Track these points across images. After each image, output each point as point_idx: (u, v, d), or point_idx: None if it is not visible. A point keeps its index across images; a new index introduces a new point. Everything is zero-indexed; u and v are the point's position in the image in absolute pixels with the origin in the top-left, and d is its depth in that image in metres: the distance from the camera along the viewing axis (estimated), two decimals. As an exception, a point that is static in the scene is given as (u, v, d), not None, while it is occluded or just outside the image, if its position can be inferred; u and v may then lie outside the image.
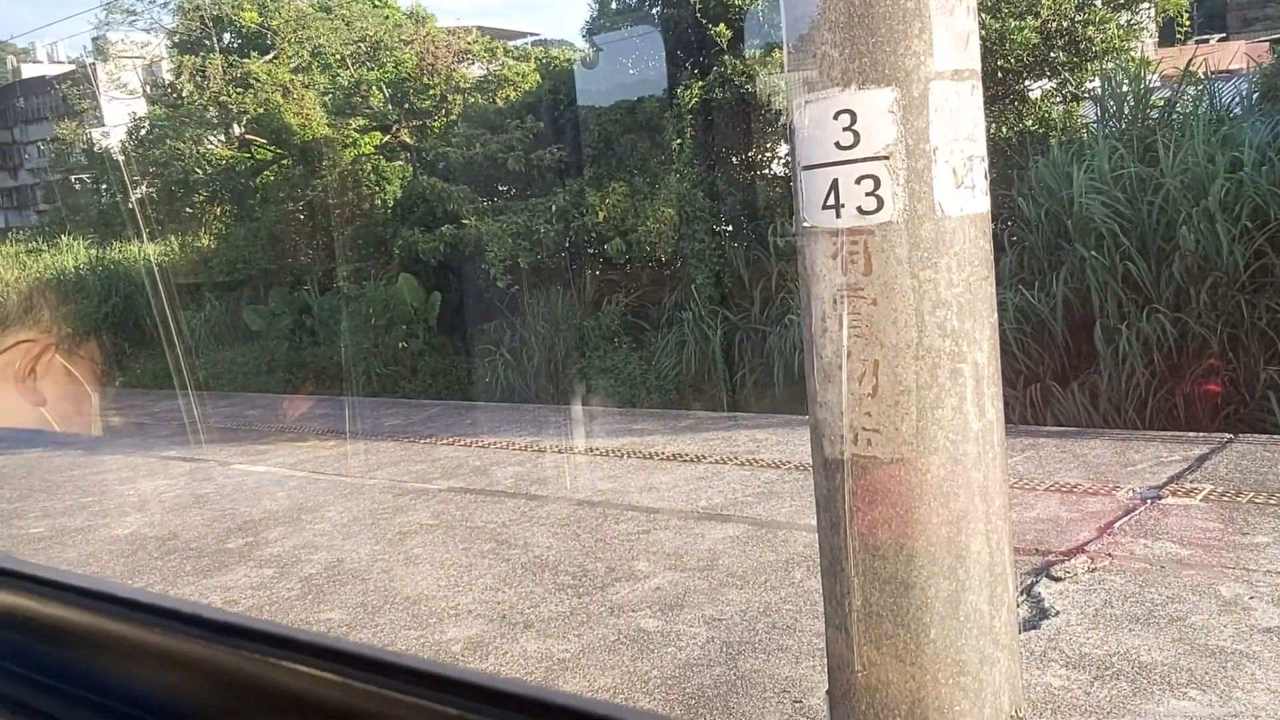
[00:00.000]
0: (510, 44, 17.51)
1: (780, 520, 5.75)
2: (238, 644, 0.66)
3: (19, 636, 0.80)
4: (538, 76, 13.63)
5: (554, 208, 11.04)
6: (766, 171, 10.88)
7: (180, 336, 14.98)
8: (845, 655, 2.73)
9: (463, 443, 8.67)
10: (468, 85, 14.35)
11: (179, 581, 5.72)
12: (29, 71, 65.73)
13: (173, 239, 17.68)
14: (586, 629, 4.51)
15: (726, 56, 9.98)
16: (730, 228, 10.54)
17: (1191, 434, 6.62)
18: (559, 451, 7.99)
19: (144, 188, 17.24)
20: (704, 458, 7.29)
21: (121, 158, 18.02)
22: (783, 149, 10.54)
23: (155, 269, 16.85)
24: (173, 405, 12.75)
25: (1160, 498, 5.39)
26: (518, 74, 13.86)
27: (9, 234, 27.36)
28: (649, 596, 4.81)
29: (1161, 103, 8.74)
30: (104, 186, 19.35)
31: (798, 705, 3.66)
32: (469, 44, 14.90)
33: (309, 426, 10.40)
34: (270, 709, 0.65)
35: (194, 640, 0.67)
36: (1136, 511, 5.22)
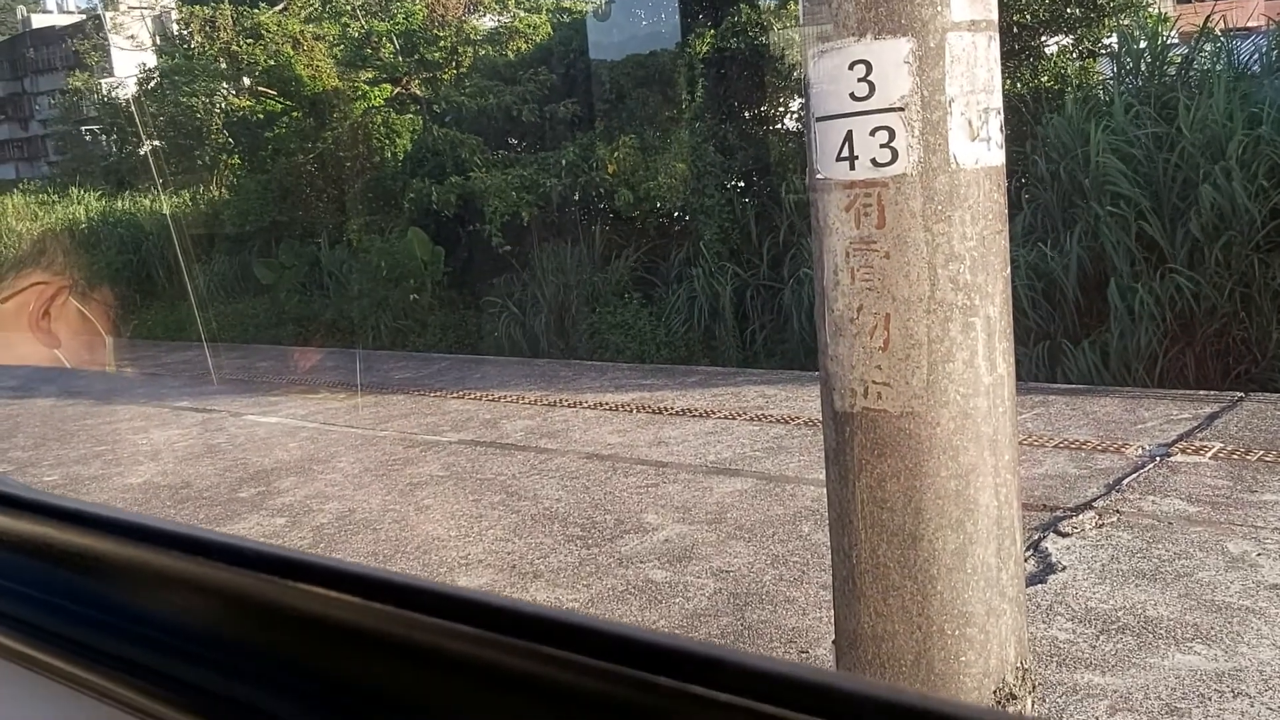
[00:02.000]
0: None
1: (789, 475, 5.77)
2: (257, 570, 0.67)
3: (46, 565, 0.81)
4: (549, 28, 13.52)
5: (563, 161, 10.99)
6: (778, 126, 10.80)
7: (192, 288, 15.01)
8: (852, 606, 2.75)
9: (473, 396, 8.70)
10: (479, 37, 14.24)
11: (192, 530, 5.77)
12: (39, 21, 65.45)
13: (184, 191, 17.67)
14: (595, 579, 4.55)
15: (740, 6, 9.89)
16: (741, 183, 10.49)
17: (1202, 392, 6.62)
18: (568, 405, 8.02)
19: (155, 140, 17.20)
20: (713, 413, 7.31)
21: (132, 109, 17.97)
22: (794, 104, 10.47)
23: (167, 221, 16.86)
24: (184, 356, 12.80)
25: (1169, 455, 5.39)
26: (529, 26, 13.75)
27: (20, 184, 27.36)
28: (657, 548, 4.84)
29: (1179, 60, 8.65)
30: (114, 138, 19.32)
31: (804, 655, 3.70)
32: (480, -5, 14.77)
33: (319, 379, 10.44)
34: (291, 631, 0.66)
35: (214, 567, 0.69)
36: (1145, 469, 5.23)
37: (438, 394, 8.93)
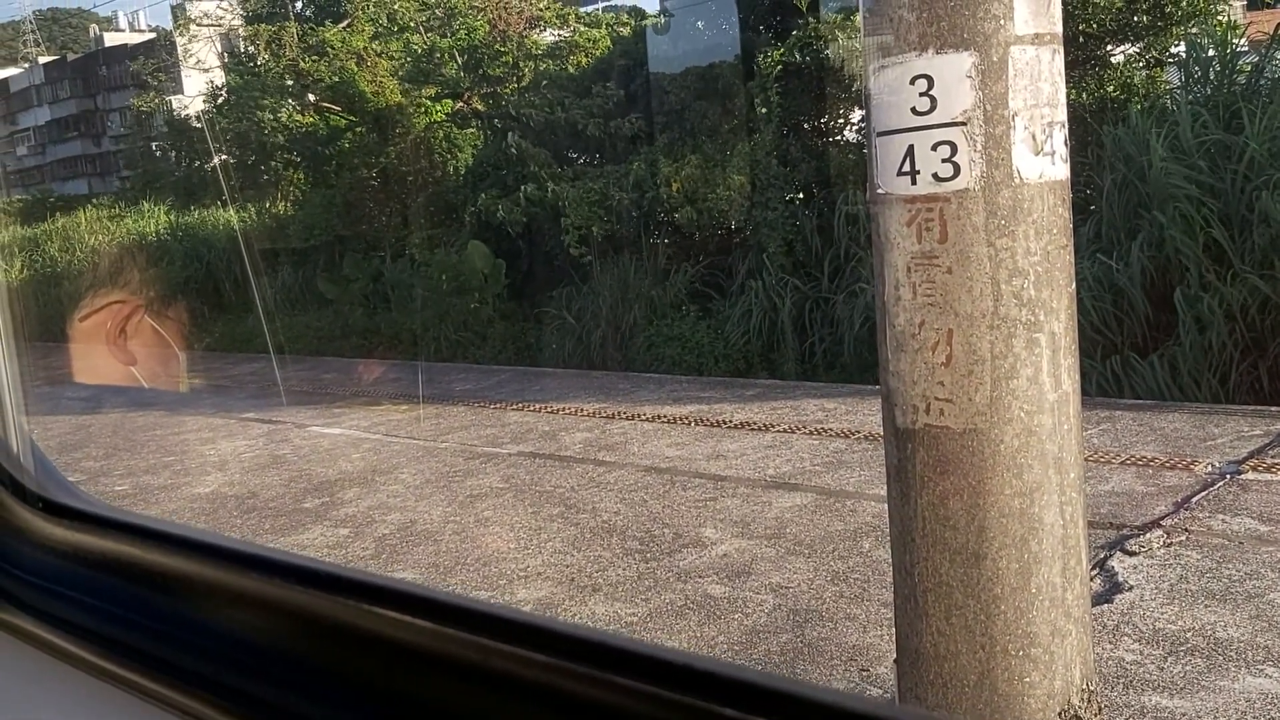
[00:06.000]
0: (582, 9, 17.47)
1: (849, 490, 5.73)
2: (331, 592, 0.68)
3: (128, 584, 0.84)
4: (609, 42, 13.59)
5: (630, 176, 11.01)
6: (838, 138, 10.76)
7: (259, 301, 15.27)
8: (914, 625, 2.72)
9: (532, 408, 8.75)
10: (539, 51, 14.36)
11: (258, 540, 5.87)
12: (111, 40, 67.08)
13: (250, 205, 18.00)
14: (654, 593, 4.55)
15: (805, 19, 9.87)
16: (801, 195, 10.46)
17: (1274, 408, 6.46)
18: (626, 418, 8.03)
19: (222, 155, 17.55)
20: (772, 426, 7.28)
21: (199, 125, 18.35)
22: (855, 115, 10.42)
23: (233, 235, 17.18)
24: (250, 368, 13.02)
25: (1240, 473, 5.27)
26: (589, 40, 13.84)
27: (93, 199, 28.03)
28: (716, 563, 4.83)
29: (1249, 68, 8.48)
30: (183, 153, 19.73)
31: (865, 674, 3.67)
32: (541, 10, 14.90)
33: (382, 390, 10.57)
34: (365, 655, 0.68)
35: (291, 588, 0.70)
36: (1215, 486, 5.12)
37: (497, 406, 8.99)
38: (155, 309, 14.59)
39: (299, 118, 16.06)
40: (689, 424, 7.61)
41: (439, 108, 14.39)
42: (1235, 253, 7.17)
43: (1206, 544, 4.44)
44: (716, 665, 0.50)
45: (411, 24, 16.24)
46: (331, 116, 15.63)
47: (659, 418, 7.91)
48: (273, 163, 16.52)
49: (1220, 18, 8.73)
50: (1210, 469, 5.38)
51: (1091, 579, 4.03)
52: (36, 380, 12.25)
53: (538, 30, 15.05)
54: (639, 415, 8.08)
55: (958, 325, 2.52)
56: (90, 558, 0.86)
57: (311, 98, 16.25)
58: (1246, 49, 9.00)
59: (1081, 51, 8.87)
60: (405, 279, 13.54)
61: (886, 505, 2.82)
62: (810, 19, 9.87)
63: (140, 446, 8.61)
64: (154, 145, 24.53)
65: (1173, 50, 9.13)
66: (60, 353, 14.36)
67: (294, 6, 17.87)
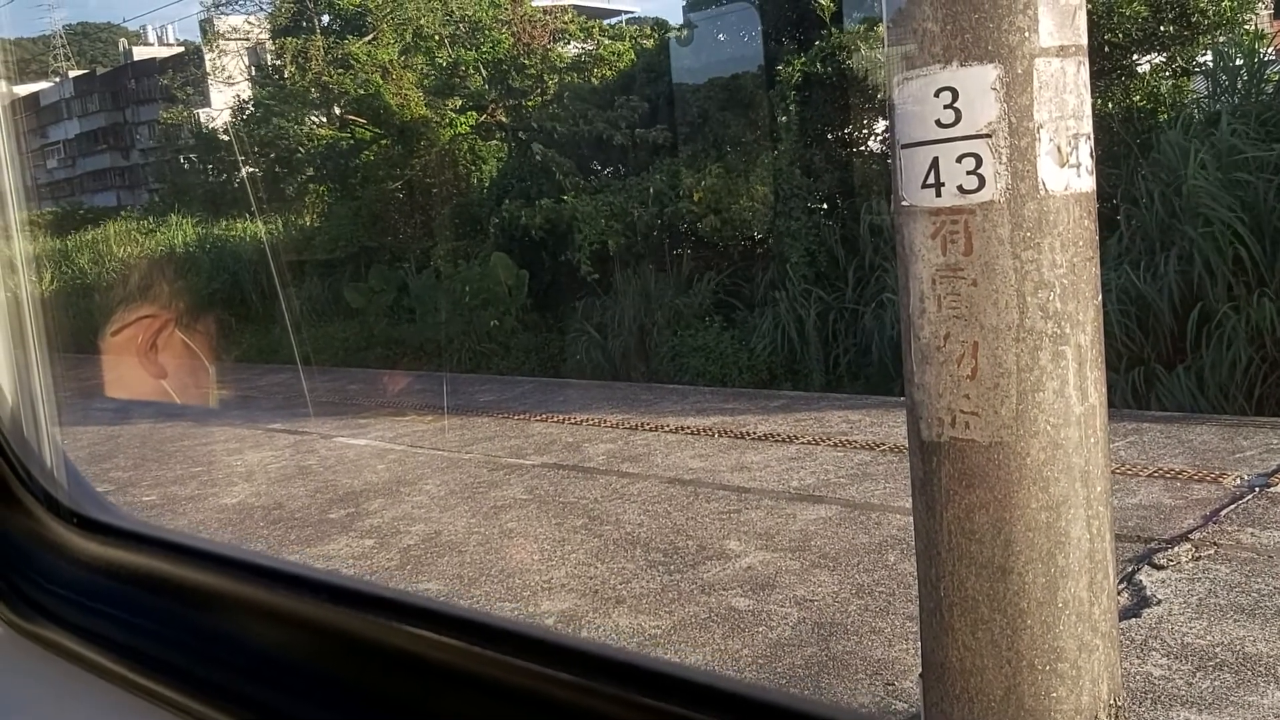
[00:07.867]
0: (605, 22, 17.54)
1: (874, 502, 5.71)
2: (361, 608, 0.69)
3: (160, 599, 0.84)
4: (633, 54, 13.63)
5: (651, 189, 11.03)
6: (862, 149, 10.74)
7: (285, 313, 15.36)
8: (939, 639, 2.71)
9: (555, 419, 8.76)
10: (563, 64, 14.42)
11: (284, 550, 5.90)
12: (140, 54, 67.76)
13: (277, 218, 18.11)
14: (678, 606, 4.54)
15: (828, 30, 9.87)
16: (824, 206, 10.44)
17: (1304, 421, 6.40)
18: (650, 429, 8.03)
19: (249, 168, 17.70)
20: (796, 438, 7.26)
21: (228, 138, 18.51)
22: (878, 125, 10.40)
23: (260, 246, 17.30)
24: (276, 379, 13.09)
25: (1269, 486, 5.22)
26: (613, 53, 13.88)
27: (122, 212, 28.29)
28: (740, 575, 4.82)
29: (1276, 77, 8.41)
30: (211, 166, 19.90)
31: (890, 688, 3.65)
32: (565, 23, 14.97)
33: (407, 401, 10.61)
34: (393, 671, 0.68)
35: (321, 604, 0.71)
36: (1244, 499, 5.07)
37: (521, 417, 9.01)
38: (184, 321, 14.69)
39: (323, 131, 16.18)
40: (713, 435, 7.60)
41: (464, 120, 14.47)
42: (1266, 266, 7.10)
43: (1235, 558, 4.39)
44: (741, 686, 0.50)
45: (436, 38, 16.33)
46: (357, 129, 15.74)
47: (682, 429, 7.91)
48: (300, 175, 16.63)
49: (1247, 27, 8.67)
50: (1239, 482, 5.33)
51: (1119, 593, 4.00)
52: (66, 392, 12.37)
53: (562, 43, 15.12)
54: (662, 426, 8.07)
55: (983, 338, 2.51)
56: (123, 573, 0.87)
57: (337, 110, 16.37)
58: (1274, 58, 8.93)
59: (1107, 61, 8.83)
60: (430, 290, 13.59)
61: (912, 518, 2.80)
62: (833, 30, 9.87)
63: (168, 457, 8.67)
64: (182, 158, 24.77)
65: (1199, 60, 9.07)
66: (90, 364, 14.48)
67: (320, 21, 18.01)
